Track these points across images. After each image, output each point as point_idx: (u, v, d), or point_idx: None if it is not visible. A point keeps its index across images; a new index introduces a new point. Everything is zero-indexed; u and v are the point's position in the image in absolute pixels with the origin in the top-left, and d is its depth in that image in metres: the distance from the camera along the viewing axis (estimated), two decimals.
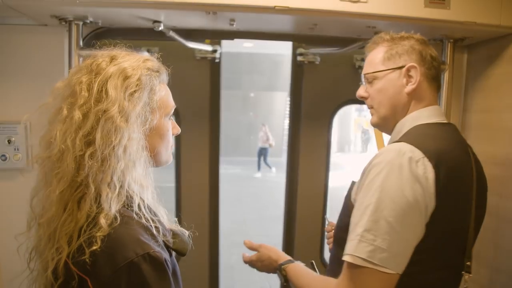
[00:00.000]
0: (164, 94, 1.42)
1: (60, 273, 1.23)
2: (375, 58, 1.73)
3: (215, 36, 2.73)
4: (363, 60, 2.77)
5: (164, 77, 1.45)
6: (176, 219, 1.48)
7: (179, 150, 3.03)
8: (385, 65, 1.70)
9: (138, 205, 1.28)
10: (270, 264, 1.89)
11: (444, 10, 2.19)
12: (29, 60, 2.51)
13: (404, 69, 1.67)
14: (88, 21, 2.35)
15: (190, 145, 3.04)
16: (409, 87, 1.67)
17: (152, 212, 1.34)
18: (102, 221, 1.20)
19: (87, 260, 1.17)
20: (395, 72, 1.69)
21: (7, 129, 2.49)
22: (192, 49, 2.82)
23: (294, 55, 3.02)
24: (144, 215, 1.28)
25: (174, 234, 1.42)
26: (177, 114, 2.93)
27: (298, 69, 3.08)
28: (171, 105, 1.46)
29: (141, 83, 1.32)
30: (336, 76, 3.11)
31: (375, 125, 1.80)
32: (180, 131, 1.54)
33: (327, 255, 3.17)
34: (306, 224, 3.26)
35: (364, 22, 2.29)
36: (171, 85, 1.52)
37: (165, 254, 1.25)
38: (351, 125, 22.75)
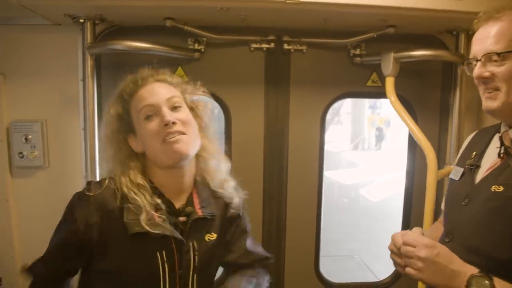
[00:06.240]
0: None
1: None
2: (503, 32, 1.46)
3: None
4: (357, 48, 2.71)
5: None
6: None
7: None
8: None
9: None
10: (449, 274, 1.39)
11: (457, 1, 2.16)
12: (44, 59, 2.55)
13: None
14: (100, 19, 2.38)
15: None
16: None
17: None
18: None
19: None
20: None
21: (24, 127, 2.54)
22: None
23: (279, 42, 2.68)
24: None
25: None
26: None
27: (283, 58, 2.74)
28: None
29: None
30: (329, 66, 2.81)
31: (497, 110, 1.52)
32: None
33: (322, 268, 2.96)
34: (297, 234, 2.90)
35: (376, 15, 2.27)
36: None
37: None
38: (364, 122, 22.61)
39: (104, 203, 1.50)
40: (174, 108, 1.53)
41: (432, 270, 1.39)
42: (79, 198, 1.53)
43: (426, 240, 1.43)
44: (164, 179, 1.58)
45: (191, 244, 1.55)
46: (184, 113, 1.55)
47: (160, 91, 1.55)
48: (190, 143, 1.52)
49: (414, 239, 1.45)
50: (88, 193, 1.51)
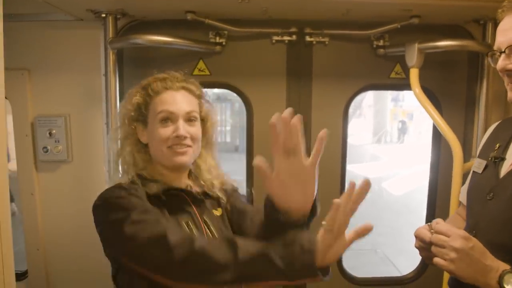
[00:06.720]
0: None
1: None
2: None
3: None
4: (380, 39, 2.65)
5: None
6: None
7: None
8: None
9: None
10: (481, 268, 1.34)
11: None
12: (67, 55, 2.58)
13: None
14: (121, 14, 2.39)
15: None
16: None
17: None
18: None
19: None
20: None
21: (48, 122, 2.58)
22: None
23: (301, 34, 2.65)
24: None
25: None
26: None
27: (305, 50, 2.71)
28: None
29: None
30: (351, 58, 2.78)
31: None
32: None
33: (345, 262, 2.92)
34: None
35: (399, 5, 2.22)
36: None
37: None
38: (387, 115, 22.36)
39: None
40: (190, 121, 1.63)
41: (465, 262, 1.33)
42: (119, 187, 1.56)
43: (461, 231, 1.37)
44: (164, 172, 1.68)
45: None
46: (196, 128, 1.65)
47: (183, 101, 1.63)
48: (192, 155, 1.65)
49: (448, 228, 1.38)
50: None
